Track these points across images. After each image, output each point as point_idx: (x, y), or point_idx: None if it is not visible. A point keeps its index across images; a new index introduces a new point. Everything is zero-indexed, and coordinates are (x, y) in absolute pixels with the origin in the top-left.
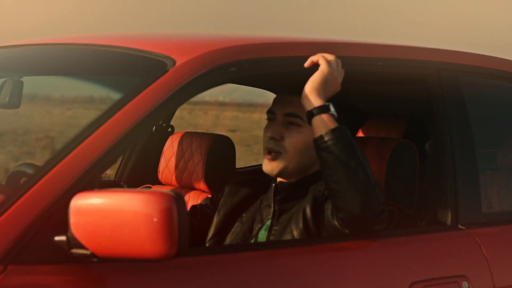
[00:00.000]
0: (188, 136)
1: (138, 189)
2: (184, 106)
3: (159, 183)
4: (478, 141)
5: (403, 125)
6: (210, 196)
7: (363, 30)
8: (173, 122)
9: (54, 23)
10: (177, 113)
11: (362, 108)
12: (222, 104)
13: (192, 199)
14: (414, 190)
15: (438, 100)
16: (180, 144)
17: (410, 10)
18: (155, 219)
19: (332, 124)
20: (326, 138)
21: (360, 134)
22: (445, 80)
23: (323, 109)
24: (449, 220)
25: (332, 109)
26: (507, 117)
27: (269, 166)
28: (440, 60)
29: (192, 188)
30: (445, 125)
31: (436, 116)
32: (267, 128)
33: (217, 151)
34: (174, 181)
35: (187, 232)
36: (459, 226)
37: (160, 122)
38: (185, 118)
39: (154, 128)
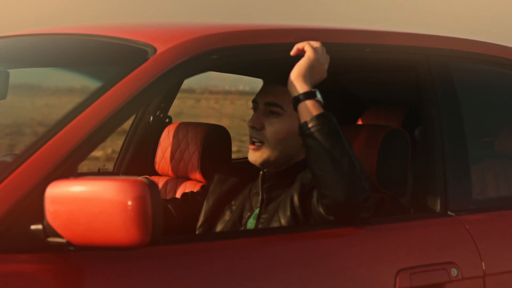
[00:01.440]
0: (184, 126)
1: (112, 176)
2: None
3: (157, 174)
4: (469, 127)
5: (402, 113)
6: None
7: (364, 19)
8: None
9: (49, 17)
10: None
11: (362, 96)
12: None
13: (188, 189)
14: (406, 178)
15: (428, 86)
16: (176, 134)
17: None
18: (129, 203)
19: (318, 110)
20: (310, 124)
21: (359, 123)
22: (434, 66)
23: (309, 95)
24: (439, 207)
25: (318, 95)
26: (498, 103)
27: (253, 156)
28: (429, 46)
29: (187, 178)
30: (434, 111)
31: (425, 102)
32: (249, 120)
33: (212, 141)
34: (170, 172)
35: (161, 220)
36: (449, 212)
37: (157, 113)
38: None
39: (151, 118)
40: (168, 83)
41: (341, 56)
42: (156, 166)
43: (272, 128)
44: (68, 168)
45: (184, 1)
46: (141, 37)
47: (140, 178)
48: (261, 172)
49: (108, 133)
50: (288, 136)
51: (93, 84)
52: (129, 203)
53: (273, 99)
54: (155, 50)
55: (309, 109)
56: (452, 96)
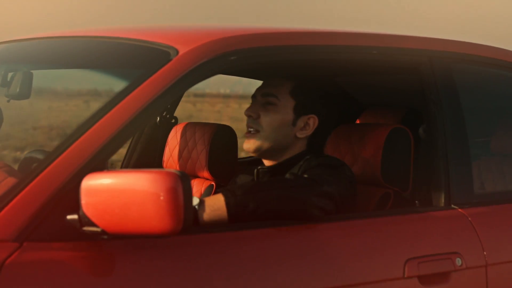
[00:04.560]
0: (191, 126)
1: (144, 169)
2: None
3: None
4: (470, 126)
5: (400, 114)
6: (213, 183)
7: (366, 22)
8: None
9: (56, 18)
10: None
11: (361, 99)
12: None
13: (196, 187)
14: (409, 174)
15: (431, 87)
16: (184, 134)
17: (414, 1)
18: (161, 197)
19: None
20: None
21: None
22: (437, 68)
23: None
24: (442, 201)
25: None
26: (499, 104)
27: (247, 144)
28: (433, 48)
29: (195, 176)
30: (437, 110)
31: (429, 102)
32: (246, 110)
33: (219, 140)
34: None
35: (191, 209)
36: (452, 206)
37: (164, 114)
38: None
39: (158, 119)
40: (190, 83)
41: (347, 58)
42: (164, 165)
43: (267, 117)
44: (100, 162)
45: (185, 5)
46: (163, 39)
47: (173, 170)
48: (255, 170)
49: (135, 129)
50: (282, 126)
51: (119, 85)
52: (162, 193)
53: (270, 89)
54: (177, 51)
55: (212, 199)
56: (454, 96)
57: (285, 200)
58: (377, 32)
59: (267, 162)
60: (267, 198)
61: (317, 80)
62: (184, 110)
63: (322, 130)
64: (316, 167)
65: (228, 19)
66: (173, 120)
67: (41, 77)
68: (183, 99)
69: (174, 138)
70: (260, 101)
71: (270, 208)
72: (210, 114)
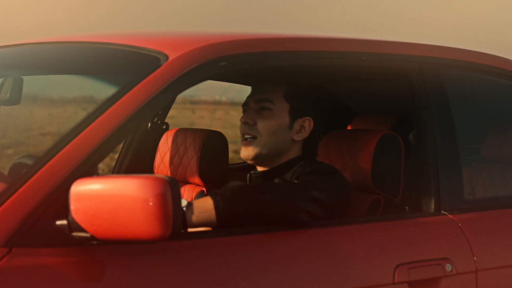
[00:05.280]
0: (182, 132)
1: (134, 174)
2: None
3: None
4: (460, 132)
5: (391, 121)
6: (204, 189)
7: (363, 29)
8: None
9: (54, 24)
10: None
11: (352, 106)
12: None
13: (187, 193)
14: (400, 180)
15: (421, 93)
16: (175, 140)
17: (412, 8)
18: (150, 203)
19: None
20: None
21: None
22: (427, 74)
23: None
24: (432, 206)
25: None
26: (488, 110)
27: (245, 152)
28: (422, 54)
29: (186, 182)
30: (427, 116)
31: (418, 108)
32: (241, 117)
33: (210, 146)
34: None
35: (181, 214)
36: (442, 211)
37: (155, 120)
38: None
39: (149, 125)
40: (180, 88)
41: (337, 64)
42: (155, 171)
43: (264, 122)
44: (89, 168)
45: (188, 11)
46: (153, 45)
47: (162, 175)
48: (248, 175)
49: (125, 135)
50: (279, 130)
51: (107, 91)
52: (151, 199)
53: (263, 95)
54: (167, 57)
55: (201, 201)
56: (444, 102)
57: (274, 204)
58: (366, 38)
59: (261, 168)
60: (256, 202)
61: (308, 84)
62: (185, 117)
63: (317, 132)
64: (310, 173)
65: (227, 26)
66: (164, 126)
67: (31, 83)
68: (181, 106)
69: (165, 144)
70: (254, 108)
71: (259, 212)
72: (212, 121)
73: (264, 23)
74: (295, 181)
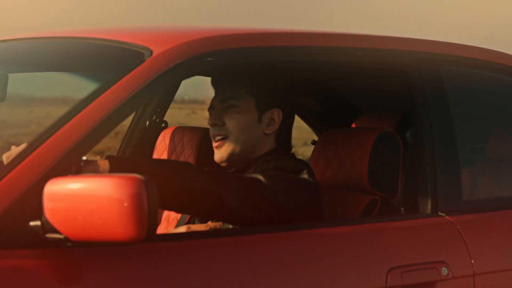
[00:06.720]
0: (179, 131)
1: (109, 174)
2: None
3: None
4: (459, 130)
5: (396, 119)
6: None
7: (363, 25)
8: None
9: (54, 24)
10: None
11: (357, 104)
12: None
13: None
14: (398, 180)
15: (419, 89)
16: (172, 138)
17: (413, 5)
18: (125, 204)
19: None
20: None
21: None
22: (425, 70)
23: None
24: (429, 208)
25: None
26: (488, 107)
27: (219, 154)
28: (421, 50)
29: None
30: (425, 114)
31: (416, 105)
32: (208, 120)
33: (207, 145)
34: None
35: (157, 216)
36: (439, 213)
37: (154, 118)
38: None
39: (148, 123)
40: (164, 84)
41: (334, 59)
42: None
43: (232, 120)
44: (65, 167)
45: (187, 9)
46: (137, 39)
47: (137, 175)
48: None
49: (105, 133)
50: (248, 126)
51: (90, 86)
52: (125, 200)
53: (227, 94)
54: (151, 52)
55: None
56: (442, 99)
57: (234, 193)
58: (363, 33)
59: (238, 163)
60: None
61: (274, 75)
62: (190, 118)
63: (288, 121)
64: (272, 169)
65: (225, 21)
66: (163, 124)
67: (14, 81)
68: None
69: (162, 143)
70: (220, 108)
71: (219, 196)
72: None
73: (263, 21)
74: (258, 177)
